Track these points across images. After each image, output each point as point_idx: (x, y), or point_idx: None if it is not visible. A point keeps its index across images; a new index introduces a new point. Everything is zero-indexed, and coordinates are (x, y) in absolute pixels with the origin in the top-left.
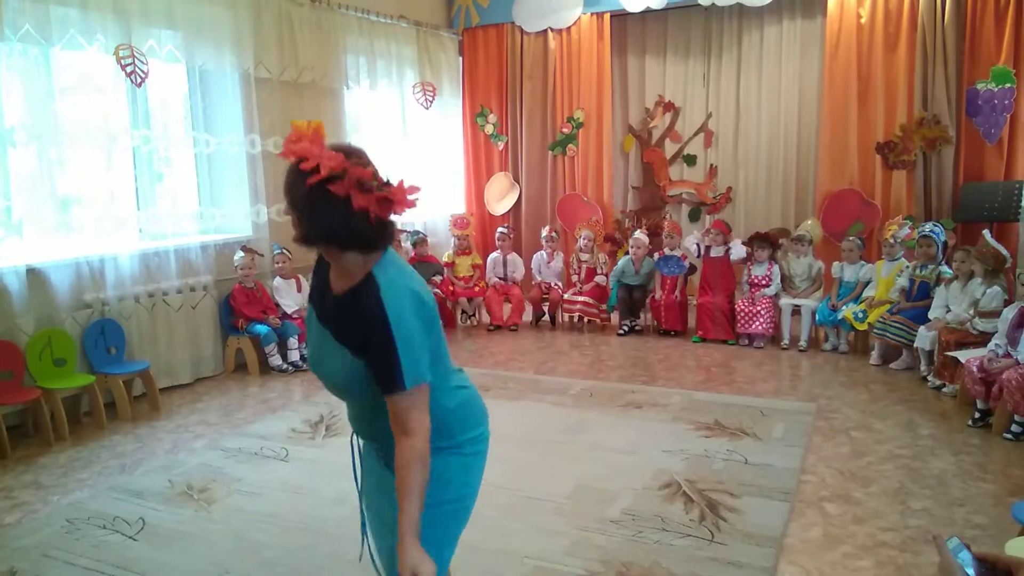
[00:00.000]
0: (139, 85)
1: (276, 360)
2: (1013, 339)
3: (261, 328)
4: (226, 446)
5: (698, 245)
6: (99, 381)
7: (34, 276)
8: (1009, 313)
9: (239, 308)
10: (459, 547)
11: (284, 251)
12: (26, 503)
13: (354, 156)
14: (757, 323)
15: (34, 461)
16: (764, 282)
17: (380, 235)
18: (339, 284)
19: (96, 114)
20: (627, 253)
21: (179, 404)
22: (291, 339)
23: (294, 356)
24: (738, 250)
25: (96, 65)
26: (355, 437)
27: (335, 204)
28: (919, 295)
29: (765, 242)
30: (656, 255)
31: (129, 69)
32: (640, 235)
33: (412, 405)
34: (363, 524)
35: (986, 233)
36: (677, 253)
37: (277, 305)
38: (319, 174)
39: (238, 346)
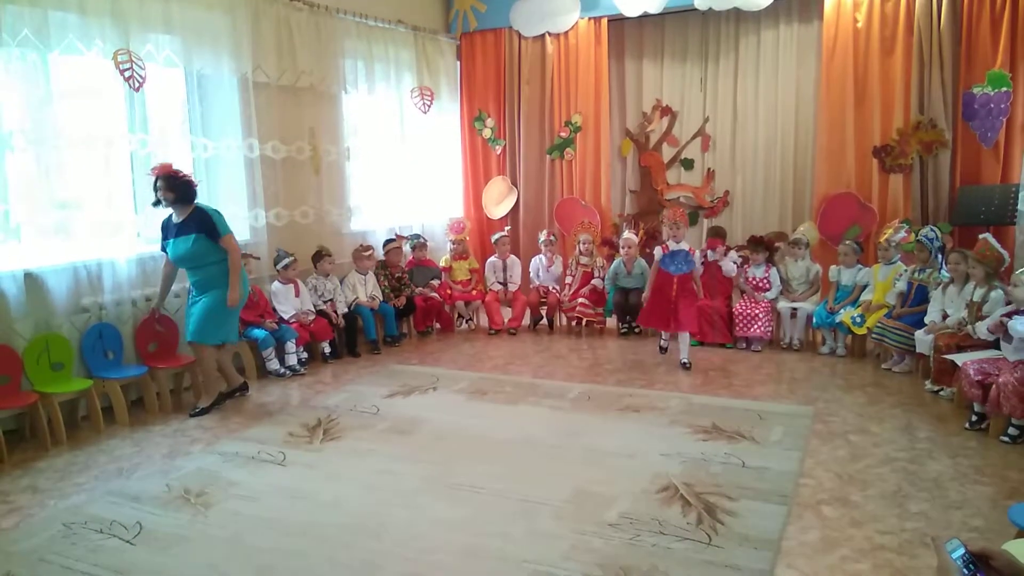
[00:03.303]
0: (137, 90)
1: (274, 364)
2: (1008, 336)
3: (259, 332)
4: (223, 450)
5: (702, 264)
6: (96, 385)
7: (32, 281)
8: (1001, 309)
9: None
10: (456, 551)
11: (294, 258)
12: (23, 507)
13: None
14: (755, 326)
15: (31, 465)
16: (763, 284)
17: (193, 193)
18: (179, 216)
19: (94, 119)
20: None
21: (176, 408)
22: (288, 343)
23: (292, 360)
24: (728, 267)
25: (94, 70)
26: (191, 290)
27: (188, 183)
28: (917, 299)
29: (760, 246)
30: (660, 250)
31: (127, 74)
32: (629, 235)
33: (230, 238)
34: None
35: (988, 236)
36: (684, 246)
37: (274, 310)
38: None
39: (236, 350)
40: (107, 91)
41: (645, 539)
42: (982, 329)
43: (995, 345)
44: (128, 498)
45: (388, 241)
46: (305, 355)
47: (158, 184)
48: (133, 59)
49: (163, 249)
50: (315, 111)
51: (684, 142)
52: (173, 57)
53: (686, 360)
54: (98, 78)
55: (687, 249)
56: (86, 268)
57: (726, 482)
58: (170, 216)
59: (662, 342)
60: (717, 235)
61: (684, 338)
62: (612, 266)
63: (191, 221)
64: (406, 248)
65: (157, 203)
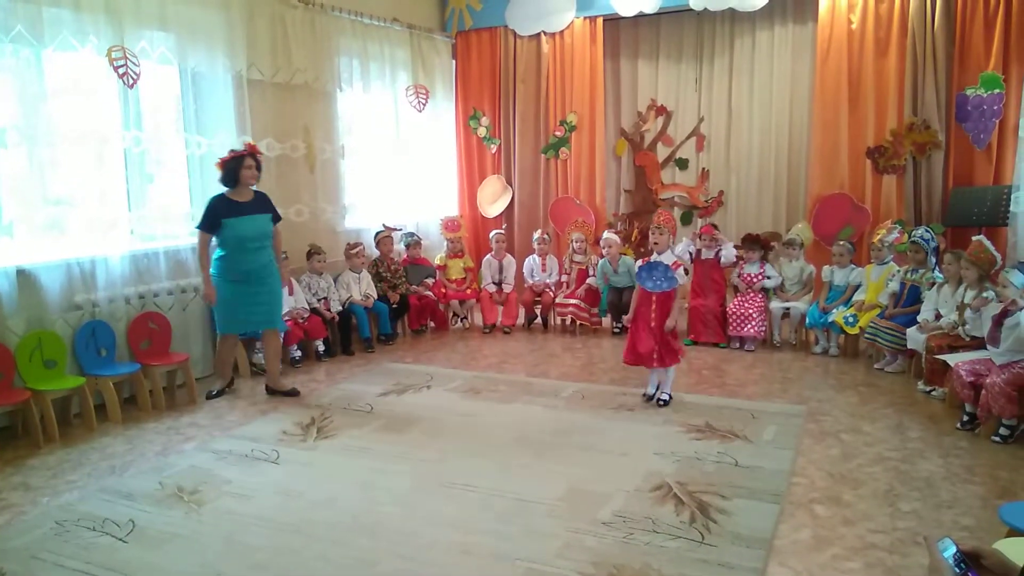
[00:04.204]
0: (131, 87)
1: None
2: (994, 339)
3: None
4: (217, 448)
5: (690, 253)
6: (89, 383)
7: (24, 277)
8: (990, 313)
9: None
10: (450, 549)
11: (286, 255)
12: (15, 505)
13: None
14: (749, 326)
15: (23, 463)
16: (758, 281)
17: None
18: (243, 197)
19: (88, 115)
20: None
21: (169, 406)
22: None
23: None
24: (728, 253)
25: (88, 66)
26: (250, 275)
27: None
28: (909, 299)
29: (756, 244)
30: (639, 263)
31: (121, 71)
32: (610, 235)
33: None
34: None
35: (983, 238)
36: (667, 259)
37: None
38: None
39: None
40: (101, 88)
41: (638, 537)
42: (970, 317)
43: (985, 345)
44: (121, 496)
45: (377, 233)
46: (299, 353)
47: (246, 163)
48: (127, 56)
49: (207, 228)
50: (310, 109)
51: (679, 142)
52: (167, 54)
53: (663, 396)
54: (92, 75)
55: (669, 263)
56: (79, 265)
57: (719, 481)
58: (221, 195)
59: (648, 388)
60: (713, 226)
61: (667, 370)
62: (599, 266)
63: (260, 202)
64: (400, 246)
65: (235, 182)
